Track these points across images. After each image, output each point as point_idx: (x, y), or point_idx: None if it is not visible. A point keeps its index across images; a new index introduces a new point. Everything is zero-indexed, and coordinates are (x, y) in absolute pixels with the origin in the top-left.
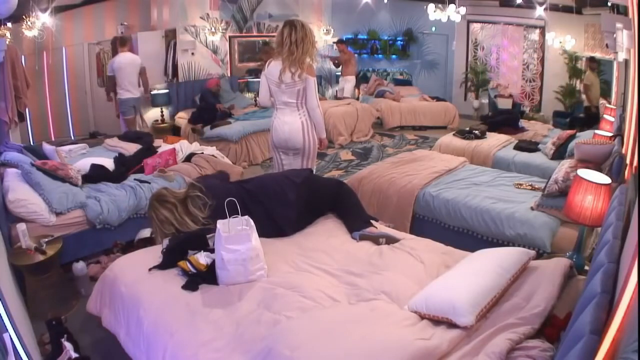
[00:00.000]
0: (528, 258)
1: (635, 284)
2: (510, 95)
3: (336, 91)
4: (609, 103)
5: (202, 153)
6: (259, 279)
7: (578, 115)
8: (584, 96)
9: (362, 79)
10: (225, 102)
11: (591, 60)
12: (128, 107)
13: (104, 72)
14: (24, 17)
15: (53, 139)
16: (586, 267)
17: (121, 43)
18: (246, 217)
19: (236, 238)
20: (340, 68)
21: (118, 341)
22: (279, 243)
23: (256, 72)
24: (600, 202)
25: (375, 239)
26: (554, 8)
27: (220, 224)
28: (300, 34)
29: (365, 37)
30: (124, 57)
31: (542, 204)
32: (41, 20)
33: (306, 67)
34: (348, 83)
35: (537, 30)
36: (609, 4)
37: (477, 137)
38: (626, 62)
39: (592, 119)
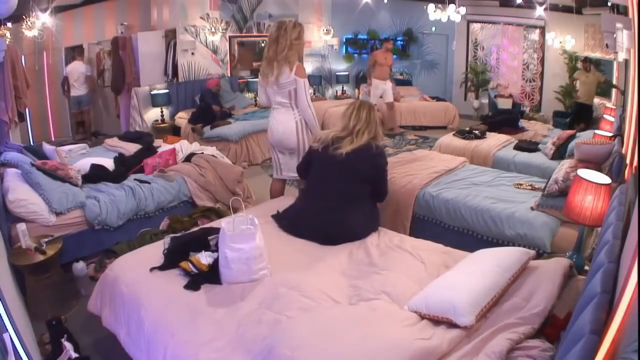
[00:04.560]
0: (528, 258)
1: (635, 284)
2: (510, 95)
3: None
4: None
5: (202, 153)
6: (261, 278)
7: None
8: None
9: (361, 79)
10: (226, 102)
11: (584, 60)
12: (74, 103)
13: (104, 72)
14: (24, 17)
15: (53, 139)
16: (586, 267)
17: (77, 53)
18: (251, 216)
19: (240, 237)
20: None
21: (118, 341)
22: (280, 243)
23: (256, 72)
24: (600, 202)
25: None
26: (554, 8)
27: (224, 222)
28: (275, 34)
29: (365, 37)
30: (74, 65)
31: (542, 204)
32: (41, 20)
33: (295, 68)
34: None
35: (537, 30)
36: (609, 4)
37: (477, 137)
38: (626, 62)
39: (583, 116)
